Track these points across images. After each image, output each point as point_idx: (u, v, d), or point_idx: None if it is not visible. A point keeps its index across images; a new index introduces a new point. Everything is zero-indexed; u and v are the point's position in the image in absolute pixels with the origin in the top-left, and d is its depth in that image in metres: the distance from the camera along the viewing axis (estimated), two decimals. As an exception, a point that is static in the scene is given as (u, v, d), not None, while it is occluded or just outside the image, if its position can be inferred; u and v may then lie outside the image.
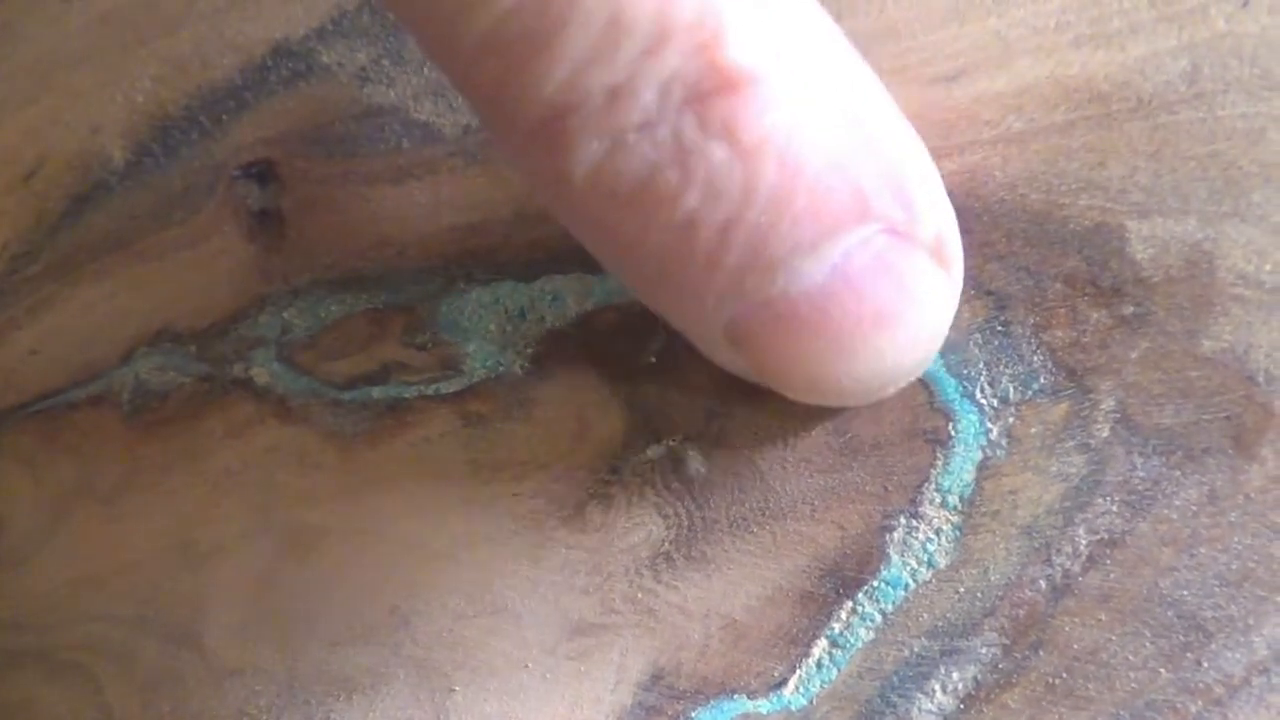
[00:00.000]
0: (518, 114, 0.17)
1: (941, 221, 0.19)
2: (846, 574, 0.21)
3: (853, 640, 0.22)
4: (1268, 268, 0.20)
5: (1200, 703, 0.20)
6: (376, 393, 0.23)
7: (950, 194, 0.21)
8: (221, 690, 0.23)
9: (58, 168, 0.24)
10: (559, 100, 0.17)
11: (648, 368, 0.22)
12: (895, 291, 0.19)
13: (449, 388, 0.22)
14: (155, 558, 0.23)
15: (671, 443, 0.22)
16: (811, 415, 0.21)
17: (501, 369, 0.22)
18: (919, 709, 0.21)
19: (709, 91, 0.17)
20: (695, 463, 0.22)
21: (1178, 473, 0.21)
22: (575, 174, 0.18)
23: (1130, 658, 0.21)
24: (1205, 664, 0.20)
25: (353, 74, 0.23)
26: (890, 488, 0.21)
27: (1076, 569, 0.21)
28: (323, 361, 0.23)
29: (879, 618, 0.21)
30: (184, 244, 0.24)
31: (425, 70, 0.23)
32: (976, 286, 0.21)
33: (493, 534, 0.22)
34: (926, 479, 0.21)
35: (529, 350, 0.22)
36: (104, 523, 0.24)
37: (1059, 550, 0.21)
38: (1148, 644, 0.21)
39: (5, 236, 0.24)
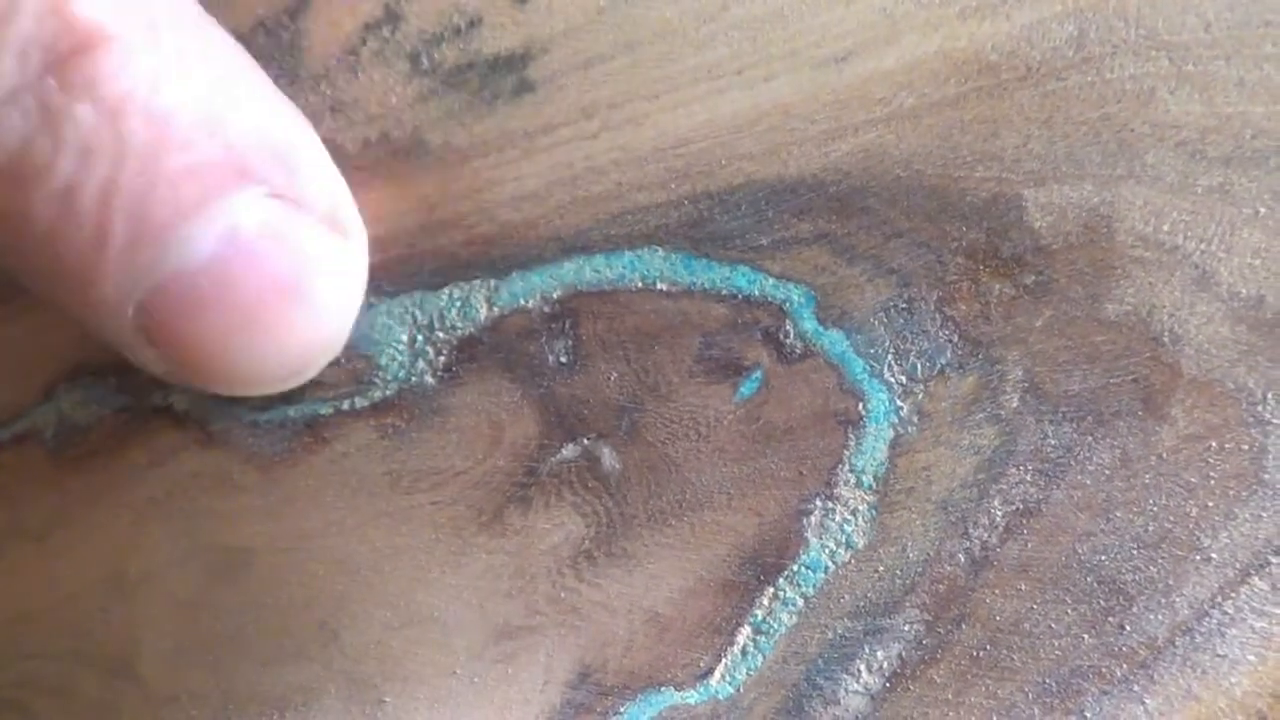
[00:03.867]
0: None
1: (332, 189, 0.18)
2: (766, 560, 0.19)
3: (776, 626, 0.19)
4: (1166, 227, 0.19)
5: (1125, 666, 0.19)
6: (292, 411, 0.21)
7: (846, 174, 0.20)
8: (158, 717, 0.21)
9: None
10: None
11: (558, 368, 0.20)
12: (293, 260, 0.17)
13: (363, 402, 0.21)
14: (87, 591, 0.21)
15: (586, 441, 0.20)
16: (724, 405, 0.20)
17: (414, 379, 0.21)
18: (845, 690, 0.20)
19: (66, 53, 0.15)
20: (610, 460, 0.20)
21: (1089, 438, 0.19)
22: None
23: (1053, 626, 0.19)
24: (1128, 627, 0.19)
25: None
26: (805, 472, 0.19)
27: (994, 541, 0.19)
28: (239, 384, 0.21)
29: (801, 602, 0.19)
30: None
31: (322, 88, 0.21)
32: (877, 265, 0.20)
33: (414, 544, 0.20)
34: (840, 460, 0.19)
35: (440, 359, 0.20)
36: (36, 560, 0.22)
37: (976, 523, 0.19)
38: (1069, 611, 0.19)
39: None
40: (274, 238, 0.17)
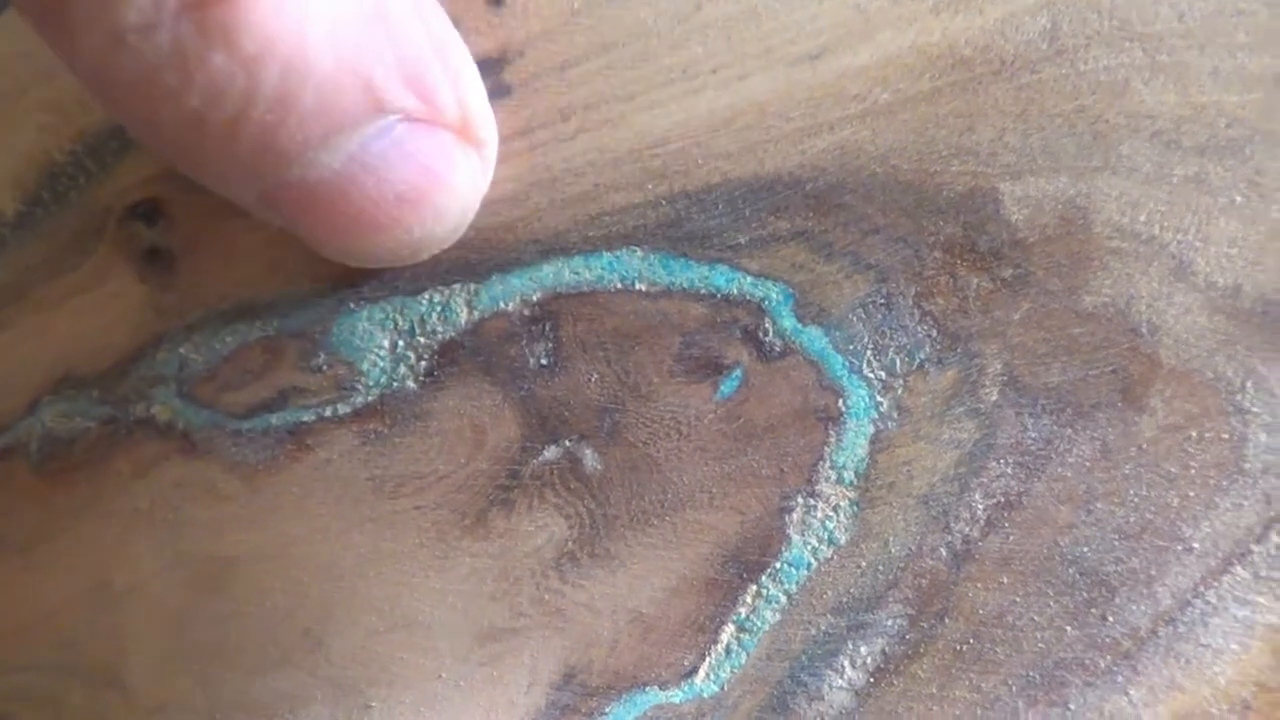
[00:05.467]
0: None
1: (467, 105, 0.18)
2: (749, 558, 0.19)
3: (759, 624, 0.19)
4: (1142, 218, 0.19)
5: (1109, 658, 0.19)
6: (275, 419, 0.21)
7: (822, 170, 0.19)
8: None
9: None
10: None
11: (539, 370, 0.20)
12: (417, 173, 0.17)
13: (346, 408, 0.20)
14: (73, 603, 0.21)
15: (567, 443, 0.19)
16: (705, 404, 0.20)
17: (396, 385, 0.20)
18: (830, 686, 0.19)
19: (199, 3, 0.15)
20: (591, 461, 0.19)
21: (1069, 430, 0.19)
22: (79, 64, 0.16)
23: (1036, 618, 0.19)
24: (1111, 619, 0.19)
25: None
26: (786, 469, 0.19)
27: (976, 534, 0.19)
28: (222, 393, 0.21)
29: (784, 599, 0.19)
30: (79, 289, 0.21)
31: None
32: (855, 261, 0.19)
33: (398, 549, 0.20)
34: (821, 457, 0.19)
35: (421, 364, 0.20)
36: (21, 573, 0.21)
37: (957, 517, 0.19)
38: (1052, 603, 0.19)
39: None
40: (401, 155, 0.17)
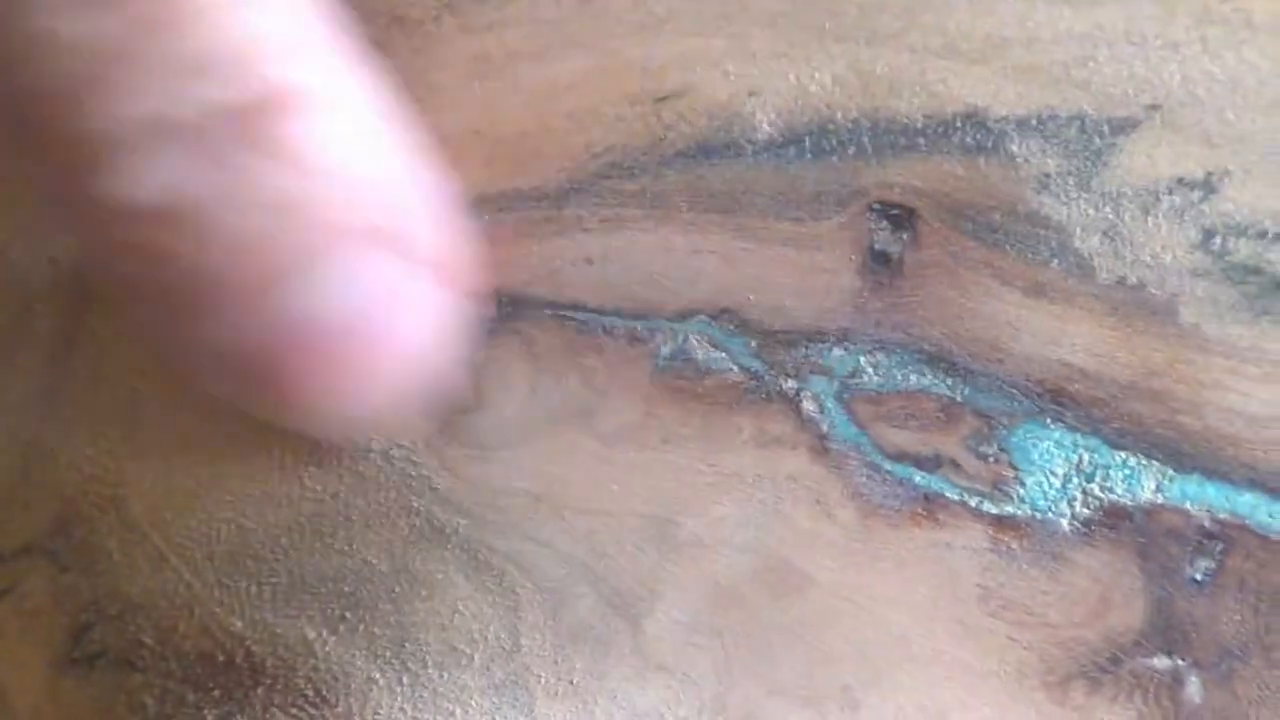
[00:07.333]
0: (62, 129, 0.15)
1: (445, 245, 0.18)
2: None
3: None
4: None
5: None
6: (919, 478, 0.20)
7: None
8: (644, 680, 0.20)
9: (696, 106, 0.21)
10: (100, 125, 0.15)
11: (1188, 582, 0.20)
12: (406, 314, 0.17)
13: (991, 507, 0.20)
14: (629, 520, 0.20)
15: (1180, 661, 0.19)
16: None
17: (1050, 515, 0.20)
18: None
19: (257, 108, 0.15)
20: (1194, 690, 0.19)
21: None
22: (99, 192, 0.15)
23: None
24: None
25: (1034, 175, 0.20)
26: None
27: None
28: (880, 421, 0.20)
29: None
30: (790, 241, 0.21)
31: (1105, 208, 0.20)
32: None
33: (973, 664, 0.19)
34: None
35: (1084, 511, 0.20)
36: (592, 458, 0.21)
37: None
38: None
39: (612, 141, 0.22)
40: (394, 294, 0.17)
